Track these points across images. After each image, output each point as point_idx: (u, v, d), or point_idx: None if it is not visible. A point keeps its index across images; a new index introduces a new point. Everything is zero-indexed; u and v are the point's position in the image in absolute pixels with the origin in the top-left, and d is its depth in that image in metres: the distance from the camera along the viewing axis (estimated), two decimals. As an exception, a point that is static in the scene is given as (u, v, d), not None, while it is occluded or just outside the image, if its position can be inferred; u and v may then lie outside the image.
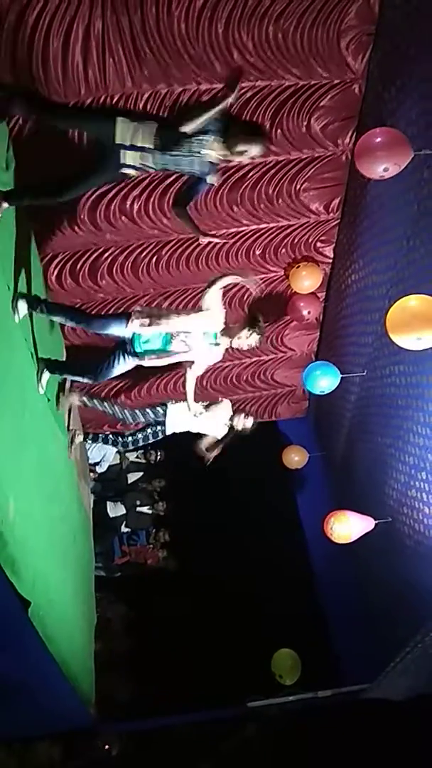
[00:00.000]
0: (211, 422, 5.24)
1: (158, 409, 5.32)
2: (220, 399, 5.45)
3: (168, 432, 5.33)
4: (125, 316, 4.25)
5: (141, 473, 7.65)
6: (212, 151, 3.97)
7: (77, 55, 3.86)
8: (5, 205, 3.66)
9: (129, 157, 3.86)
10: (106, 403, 5.37)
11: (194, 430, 5.30)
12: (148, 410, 5.33)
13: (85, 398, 5.29)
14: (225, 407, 5.32)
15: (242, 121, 4.19)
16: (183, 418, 5.22)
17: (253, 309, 4.93)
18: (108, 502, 7.36)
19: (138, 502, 7.42)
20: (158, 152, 3.86)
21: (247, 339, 4.36)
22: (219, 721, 5.78)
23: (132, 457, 7.70)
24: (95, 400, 5.35)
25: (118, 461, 7.58)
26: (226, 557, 6.87)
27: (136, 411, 5.35)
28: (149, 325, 4.17)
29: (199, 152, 3.93)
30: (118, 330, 4.26)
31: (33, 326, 4.16)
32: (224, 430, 5.26)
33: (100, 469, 7.21)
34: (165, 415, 5.27)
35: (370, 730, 5.72)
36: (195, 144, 3.92)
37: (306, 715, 5.75)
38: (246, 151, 4.05)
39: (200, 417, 5.17)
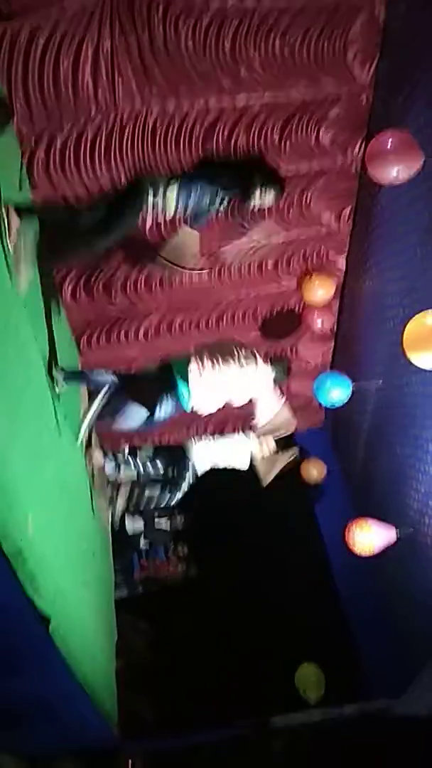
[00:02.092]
0: (234, 453, 5.23)
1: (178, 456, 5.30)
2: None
3: (199, 472, 5.30)
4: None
5: (159, 487, 7.63)
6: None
7: (87, 76, 3.92)
8: (17, 223, 3.65)
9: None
10: (130, 459, 5.36)
11: (220, 465, 5.27)
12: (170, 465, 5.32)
13: (106, 460, 5.30)
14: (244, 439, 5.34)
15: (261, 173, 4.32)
16: (206, 454, 5.21)
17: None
18: (126, 516, 7.35)
19: (156, 516, 7.40)
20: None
21: None
22: (243, 737, 5.70)
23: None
24: (119, 457, 5.35)
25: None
26: (246, 571, 6.81)
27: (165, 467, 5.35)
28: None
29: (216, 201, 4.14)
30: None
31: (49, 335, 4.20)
32: (247, 461, 5.25)
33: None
34: (188, 461, 5.24)
35: (398, 746, 5.61)
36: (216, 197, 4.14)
37: (332, 731, 5.66)
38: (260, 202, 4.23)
39: (222, 450, 5.17)
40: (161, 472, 5.34)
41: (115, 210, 4.08)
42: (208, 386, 4.38)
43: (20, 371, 3.33)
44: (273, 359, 4.87)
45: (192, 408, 4.44)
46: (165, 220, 4.41)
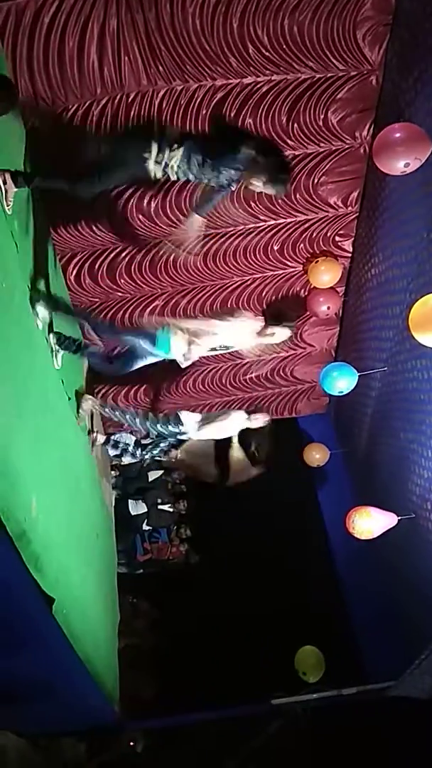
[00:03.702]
0: (224, 427, 5.06)
1: (170, 423, 5.18)
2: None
3: (188, 437, 5.19)
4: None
5: (161, 471, 7.67)
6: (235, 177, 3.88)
7: (93, 54, 3.88)
8: (13, 188, 3.42)
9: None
10: (118, 412, 5.25)
11: (213, 436, 5.11)
12: (164, 424, 5.22)
13: (99, 407, 5.20)
14: (238, 415, 4.99)
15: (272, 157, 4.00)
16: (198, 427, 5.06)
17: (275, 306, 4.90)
18: (129, 501, 7.39)
19: (159, 500, 7.44)
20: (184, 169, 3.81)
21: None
22: (243, 718, 5.77)
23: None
24: (108, 409, 5.27)
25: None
26: (248, 554, 6.85)
27: (157, 425, 5.24)
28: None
29: (223, 177, 3.83)
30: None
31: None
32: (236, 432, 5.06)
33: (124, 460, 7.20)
34: (181, 423, 5.09)
35: (394, 728, 5.67)
36: (222, 172, 3.81)
37: (330, 713, 5.72)
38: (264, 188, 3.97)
39: (212, 424, 5.00)
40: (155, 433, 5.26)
41: (118, 152, 3.77)
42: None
43: (25, 356, 3.33)
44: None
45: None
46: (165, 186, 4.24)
